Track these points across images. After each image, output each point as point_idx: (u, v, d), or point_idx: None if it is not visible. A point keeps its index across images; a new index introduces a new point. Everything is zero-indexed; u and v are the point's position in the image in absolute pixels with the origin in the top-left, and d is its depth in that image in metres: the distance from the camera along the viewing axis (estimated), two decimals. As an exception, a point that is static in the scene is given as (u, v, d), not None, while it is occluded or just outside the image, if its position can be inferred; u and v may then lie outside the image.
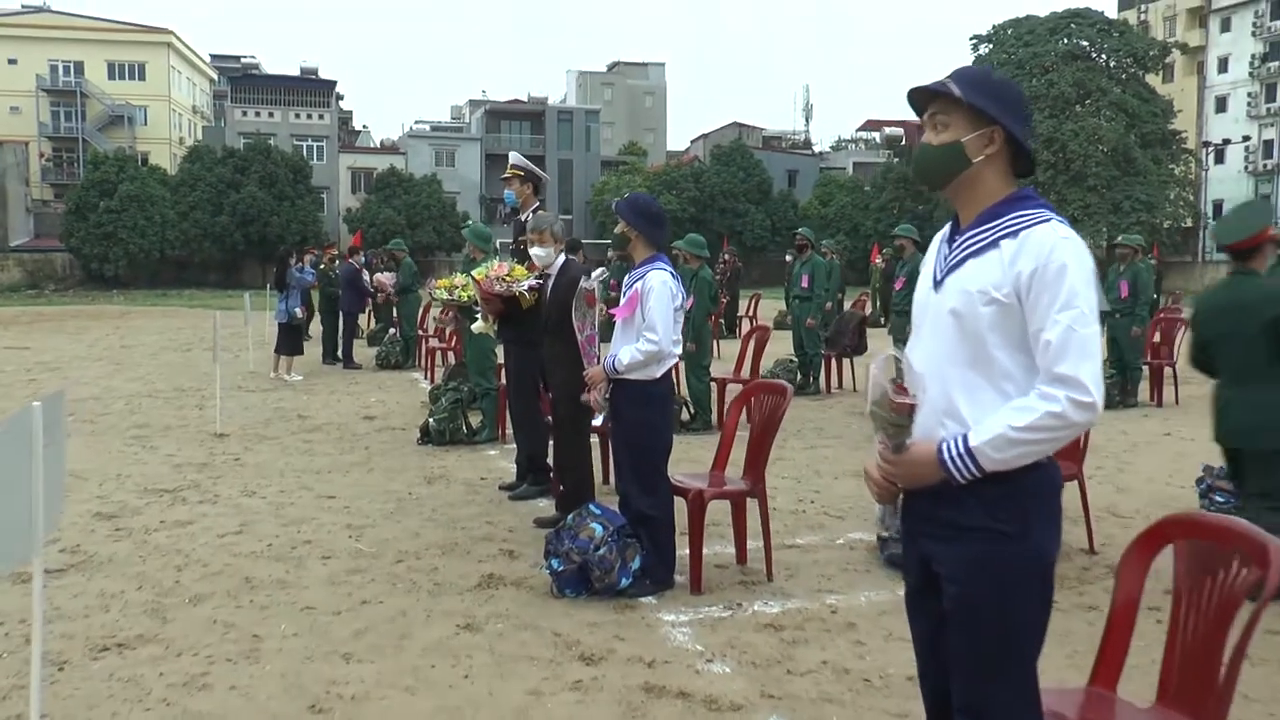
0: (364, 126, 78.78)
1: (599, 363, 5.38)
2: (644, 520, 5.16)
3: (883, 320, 22.15)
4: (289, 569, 5.62)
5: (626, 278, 5.34)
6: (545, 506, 6.98)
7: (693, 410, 10.26)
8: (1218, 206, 59.68)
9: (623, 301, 5.23)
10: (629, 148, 76.88)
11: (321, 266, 18.08)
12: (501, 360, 9.00)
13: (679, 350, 5.23)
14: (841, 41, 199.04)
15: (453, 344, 14.32)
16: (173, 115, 68.05)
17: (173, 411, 11.62)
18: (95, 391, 13.39)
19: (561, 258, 6.50)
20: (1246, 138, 62.52)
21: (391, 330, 16.93)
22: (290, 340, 14.63)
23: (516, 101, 74.14)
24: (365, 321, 22.51)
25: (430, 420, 9.44)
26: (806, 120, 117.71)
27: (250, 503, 7.15)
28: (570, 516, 5.30)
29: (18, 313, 33.53)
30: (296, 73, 69.80)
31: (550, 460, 7.15)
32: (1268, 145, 63.76)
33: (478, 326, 7.57)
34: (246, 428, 10.43)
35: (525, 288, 6.92)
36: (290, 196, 56.28)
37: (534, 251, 6.52)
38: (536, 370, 7.00)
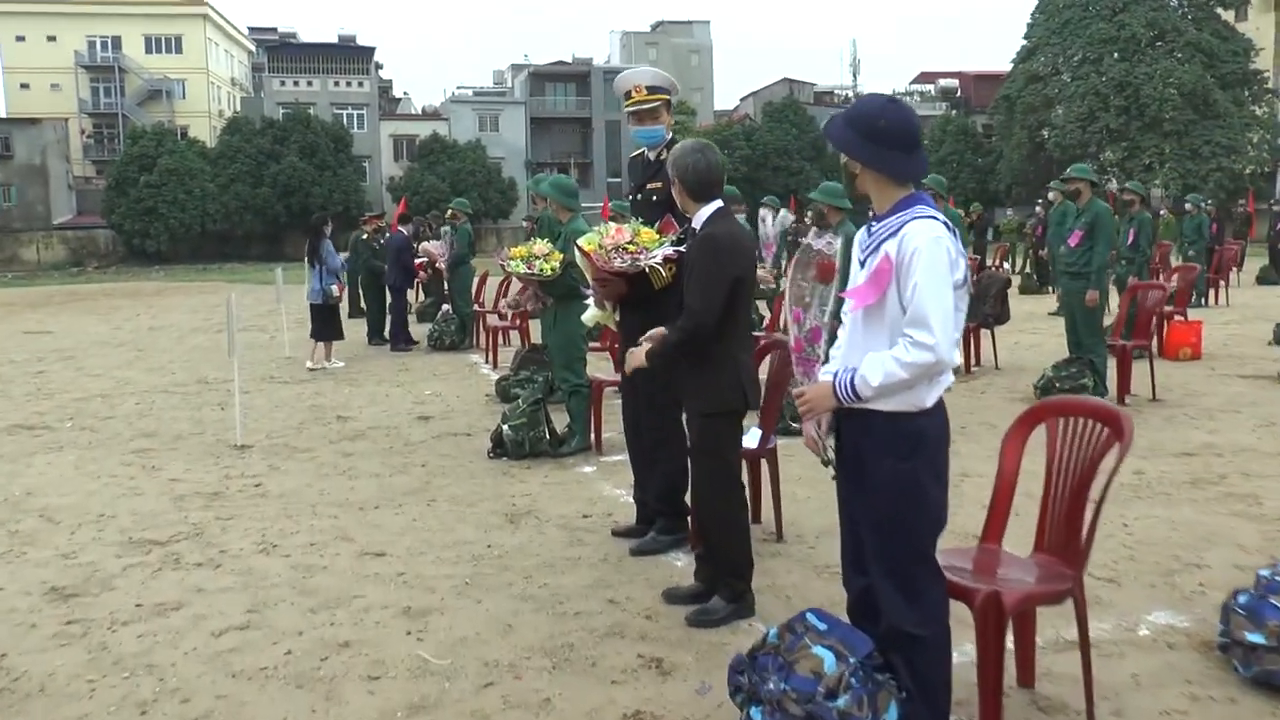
0: (405, 93, 76.92)
1: (819, 377, 3.25)
2: (903, 642, 3.07)
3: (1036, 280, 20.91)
4: (315, 705, 3.59)
5: (861, 234, 3.20)
6: (683, 567, 4.92)
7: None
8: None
9: (859, 276, 3.10)
10: (677, 107, 74.25)
11: (365, 237, 16.22)
12: (595, 346, 6.97)
13: (959, 358, 3.09)
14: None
15: (518, 323, 12.30)
16: (211, 88, 66.67)
17: (189, 413, 9.66)
18: (106, 386, 11.49)
19: (710, 207, 4.41)
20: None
21: (444, 307, 14.88)
22: (327, 324, 12.60)
23: (560, 63, 72.07)
24: (413, 296, 20.64)
25: (505, 428, 7.36)
26: (854, 76, 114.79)
27: (267, 565, 5.12)
28: (774, 632, 3.21)
29: (52, 292, 32.00)
30: (334, 40, 67.94)
31: (690, 498, 5.11)
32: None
33: (590, 316, 5.47)
34: (274, 435, 8.44)
35: (659, 259, 4.85)
36: (331, 166, 55.10)
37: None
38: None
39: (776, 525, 5.37)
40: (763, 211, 18.56)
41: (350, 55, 65.22)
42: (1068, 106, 54.30)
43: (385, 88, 71.50)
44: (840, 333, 3.19)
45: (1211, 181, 49.21)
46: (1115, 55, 53.39)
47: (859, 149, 3.01)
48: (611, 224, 5.11)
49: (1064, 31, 55.71)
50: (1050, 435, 3.55)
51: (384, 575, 4.91)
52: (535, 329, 11.59)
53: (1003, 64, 63.18)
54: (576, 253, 5.19)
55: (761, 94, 73.85)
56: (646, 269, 4.88)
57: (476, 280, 14.93)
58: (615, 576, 4.84)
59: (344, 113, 61.80)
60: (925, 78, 79.96)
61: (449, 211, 15.32)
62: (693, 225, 4.44)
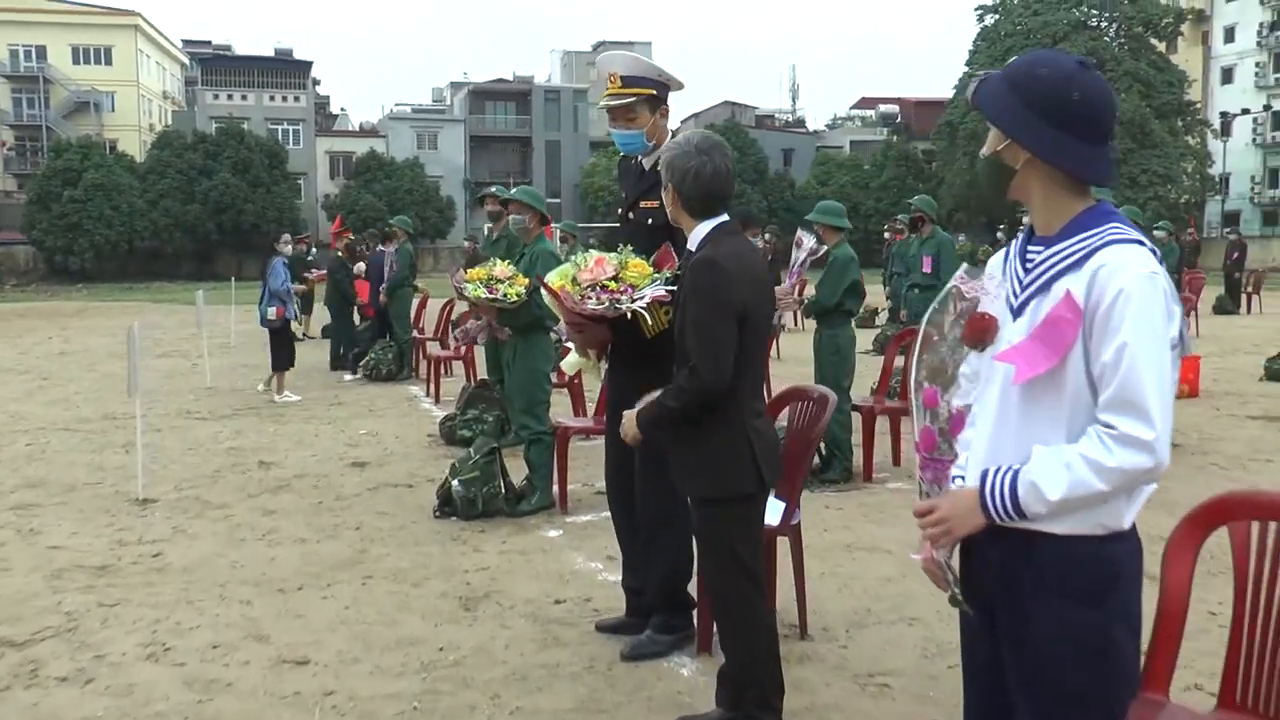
0: (342, 109, 75.21)
1: (952, 483, 2.21)
2: None
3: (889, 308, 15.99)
4: None
5: (1002, 262, 2.19)
6: (691, 677, 3.90)
7: (825, 452, 7.15)
8: (1224, 180, 57.55)
9: (1011, 326, 2.08)
10: (621, 126, 73.76)
11: (341, 254, 14.52)
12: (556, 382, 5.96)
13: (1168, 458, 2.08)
14: (830, 18, 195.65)
15: (463, 353, 11.19)
16: (142, 101, 64.47)
17: (88, 456, 8.41)
18: (-2, 422, 10.20)
19: (709, 223, 3.43)
20: (1246, 110, 60.19)
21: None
22: (281, 350, 11.28)
23: (501, 81, 71.09)
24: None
25: (454, 483, 6.27)
26: (793, 100, 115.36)
27: (153, 680, 3.96)
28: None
29: (-39, 313, 30.13)
30: (270, 54, 66.22)
31: (695, 589, 4.09)
32: (1276, 117, 61.92)
33: (571, 364, 4.35)
34: (184, 486, 7.25)
35: (646, 300, 3.80)
36: (265, 183, 53.52)
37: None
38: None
39: (800, 619, 4.36)
40: (800, 235, 17.36)
41: (286, 69, 63.65)
42: (1008, 134, 54.69)
43: (322, 103, 69.93)
44: (973, 411, 2.19)
45: (1149, 210, 49.62)
46: (1056, 83, 53.92)
47: (1032, 132, 2.01)
48: (593, 252, 4.05)
49: (1005, 59, 55.61)
50: (1238, 544, 2.56)
51: (306, 696, 3.79)
52: (481, 358, 10.52)
53: (943, 91, 63.52)
54: (543, 290, 4.14)
55: (703, 116, 73.43)
56: (629, 314, 3.83)
57: (416, 304, 13.81)
58: (608, 694, 3.78)
59: (279, 128, 60.25)
60: (866, 103, 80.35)
61: (389, 229, 14.18)
62: (689, 249, 3.45)
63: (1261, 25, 62.95)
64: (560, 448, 6.54)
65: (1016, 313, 2.07)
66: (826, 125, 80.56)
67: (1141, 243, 1.98)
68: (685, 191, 3.38)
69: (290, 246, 12.41)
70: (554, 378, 7.03)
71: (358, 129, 69.76)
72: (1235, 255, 23.52)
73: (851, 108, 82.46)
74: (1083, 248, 1.99)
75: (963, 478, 2.13)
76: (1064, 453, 1.95)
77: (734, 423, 3.31)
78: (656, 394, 3.36)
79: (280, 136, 58.79)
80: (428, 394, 11.35)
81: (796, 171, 66.16)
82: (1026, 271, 2.09)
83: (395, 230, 13.59)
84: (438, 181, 60.03)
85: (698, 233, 3.42)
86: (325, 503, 6.71)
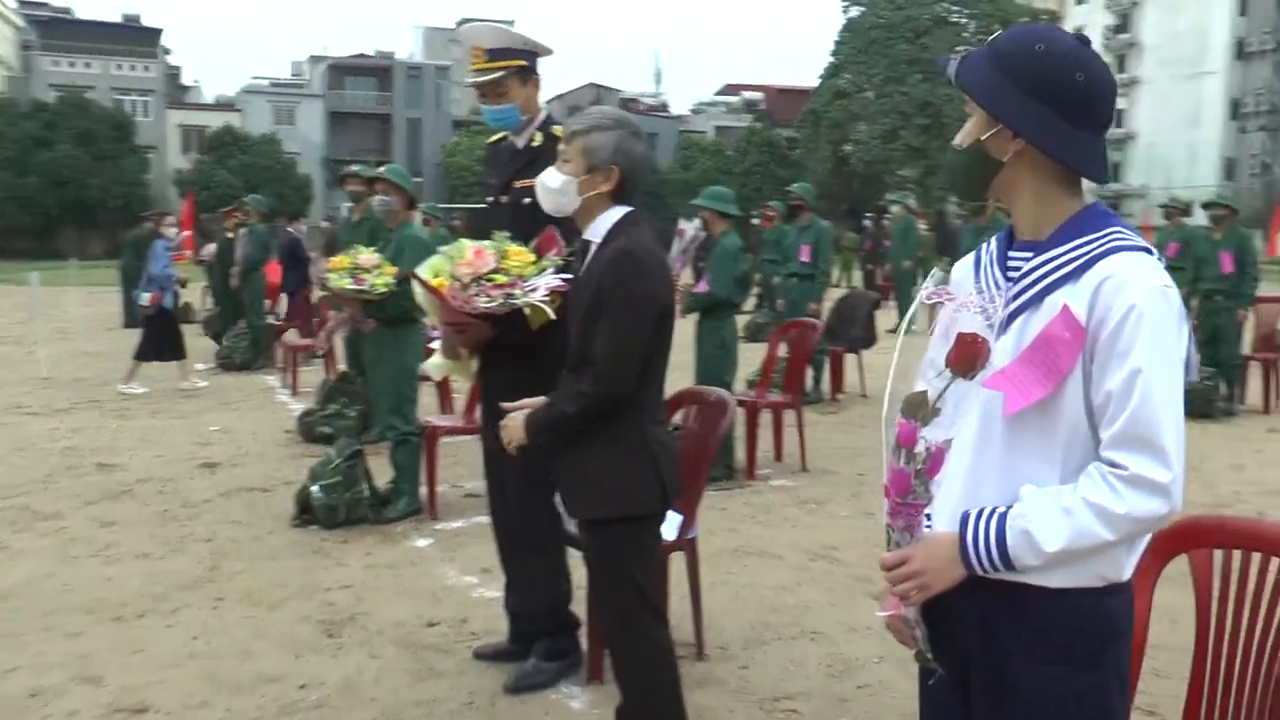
0: (195, 81, 71.80)
1: (924, 529, 1.89)
2: None
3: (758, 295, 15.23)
4: None
5: (973, 267, 1.91)
6: (583, 710, 3.57)
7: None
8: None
9: (1005, 347, 1.77)
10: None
11: (230, 236, 13.41)
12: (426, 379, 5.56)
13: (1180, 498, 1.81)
14: (695, 3, 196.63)
15: (322, 340, 10.57)
16: (-30, 65, 60.57)
17: (-100, 457, 7.62)
18: None
19: (617, 212, 3.05)
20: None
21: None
22: (163, 340, 10.45)
23: (362, 56, 69.15)
24: (201, 302, 18.47)
25: (314, 489, 5.78)
26: (657, 83, 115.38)
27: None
28: None
29: None
30: (116, 20, 62.80)
31: (580, 611, 3.76)
32: (1118, 114, 64.76)
33: (436, 367, 3.92)
34: (10, 493, 6.54)
35: (542, 292, 3.44)
36: (111, 156, 50.74)
37: (547, 183, 3.05)
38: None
39: (697, 638, 4.06)
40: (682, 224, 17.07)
41: (134, 36, 60.42)
42: (871, 123, 55.88)
43: (173, 74, 66.67)
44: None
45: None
46: (918, 76, 55.25)
47: (1029, 117, 1.71)
48: (467, 242, 3.62)
49: (870, 50, 57.27)
50: (1200, 576, 2.32)
51: (145, 749, 3.34)
52: (341, 349, 9.97)
53: (807, 79, 64.47)
54: (416, 287, 3.72)
55: (567, 98, 72.78)
56: (521, 307, 3.46)
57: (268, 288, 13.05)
58: (493, 735, 3.44)
59: (126, 99, 57.10)
60: (730, 89, 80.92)
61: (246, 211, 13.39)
62: (588, 238, 3.04)
63: (1106, 28, 65.93)
64: (429, 448, 6.13)
65: (999, 330, 1.79)
66: (690, 110, 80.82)
67: (1150, 250, 1.72)
68: (630, 176, 2.98)
69: (175, 229, 11.58)
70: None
71: (212, 102, 66.87)
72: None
73: (716, 93, 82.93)
74: (1082, 255, 1.71)
75: (929, 520, 1.84)
76: (1062, 496, 1.67)
77: (636, 433, 2.96)
78: (549, 397, 3.00)
79: (128, 108, 55.82)
80: (284, 385, 10.72)
81: (661, 155, 66.19)
82: (1011, 281, 1.80)
83: (253, 209, 12.84)
84: (295, 159, 58.14)
85: (605, 220, 2.99)
86: (172, 511, 6.14)
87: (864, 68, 57.49)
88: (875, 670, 3.95)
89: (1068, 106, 1.70)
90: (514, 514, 3.77)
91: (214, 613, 4.52)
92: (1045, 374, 1.67)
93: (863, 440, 8.21)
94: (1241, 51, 60.98)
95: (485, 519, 5.91)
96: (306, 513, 5.81)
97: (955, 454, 1.80)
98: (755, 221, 17.17)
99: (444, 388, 8.06)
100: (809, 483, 6.95)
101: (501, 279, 3.42)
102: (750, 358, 9.16)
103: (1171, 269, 9.93)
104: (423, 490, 6.12)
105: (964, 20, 58.19)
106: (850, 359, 10.41)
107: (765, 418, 7.52)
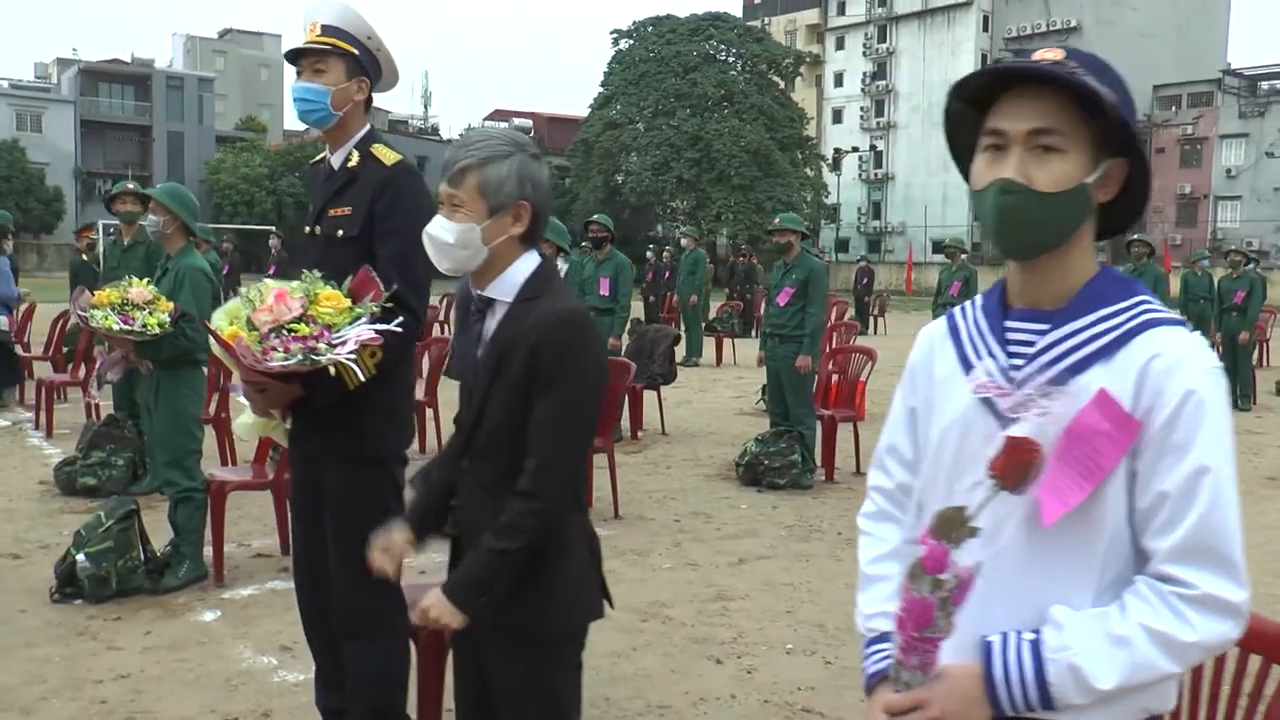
0: (-82, 79, 65.67)
1: (941, 659, 1.54)
2: None
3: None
4: None
5: (968, 334, 1.62)
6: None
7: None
8: (836, 210, 62.93)
9: (1041, 440, 1.43)
10: (247, 122, 69.98)
11: (85, 258, 12.41)
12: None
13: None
14: (463, 28, 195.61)
15: (80, 378, 9.54)
16: None
17: None
18: None
19: (528, 262, 2.39)
20: (855, 148, 66.46)
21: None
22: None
23: (117, 61, 65.14)
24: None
25: (79, 556, 5.00)
26: (425, 106, 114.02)
27: None
28: None
29: None
30: None
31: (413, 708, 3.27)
32: (878, 156, 68.97)
33: (245, 427, 3.30)
34: None
35: (351, 347, 2.91)
36: None
37: (439, 237, 2.32)
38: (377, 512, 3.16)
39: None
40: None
41: None
42: (642, 155, 57.06)
43: (-108, 71, 60.94)
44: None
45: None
46: (688, 110, 56.91)
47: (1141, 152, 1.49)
48: (270, 282, 3.08)
49: (640, 83, 58.58)
50: None
51: None
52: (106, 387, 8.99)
53: (577, 109, 65.07)
54: (211, 340, 3.16)
55: (331, 119, 70.98)
56: (332, 368, 2.92)
57: (22, 312, 11.74)
58: None
59: None
60: (500, 115, 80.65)
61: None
62: (490, 295, 2.36)
63: (865, 74, 69.79)
64: (215, 507, 5.44)
65: (1003, 419, 1.50)
66: (460, 134, 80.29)
67: (1185, 324, 1.47)
68: (542, 210, 2.36)
69: (11, 244, 10.39)
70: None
71: (-62, 103, 61.37)
72: (865, 280, 25.34)
73: (485, 118, 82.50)
74: (1113, 328, 1.47)
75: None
76: (1110, 622, 1.40)
77: (578, 526, 2.40)
78: (478, 550, 2.28)
79: None
80: (37, 426, 9.53)
81: (430, 179, 64.77)
82: (1017, 357, 1.53)
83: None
84: (43, 169, 54.28)
85: (516, 272, 2.34)
86: (-104, 585, 5.22)
87: (634, 99, 58.68)
88: (736, 754, 3.64)
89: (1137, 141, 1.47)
90: (340, 596, 3.24)
91: (-47, 723, 3.77)
92: (1084, 474, 1.39)
93: (673, 482, 7.98)
94: (985, 103, 65.65)
95: (279, 583, 5.37)
96: (70, 585, 5.03)
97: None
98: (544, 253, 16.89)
99: (222, 429, 7.35)
100: (624, 531, 6.62)
101: (305, 329, 2.91)
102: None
103: (952, 304, 10.44)
104: (206, 551, 5.43)
105: (731, 59, 60.13)
106: (649, 395, 10.23)
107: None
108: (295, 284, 3.02)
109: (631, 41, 60.66)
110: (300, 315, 2.94)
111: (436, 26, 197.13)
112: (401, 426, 3.30)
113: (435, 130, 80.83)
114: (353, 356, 2.90)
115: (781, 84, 61.35)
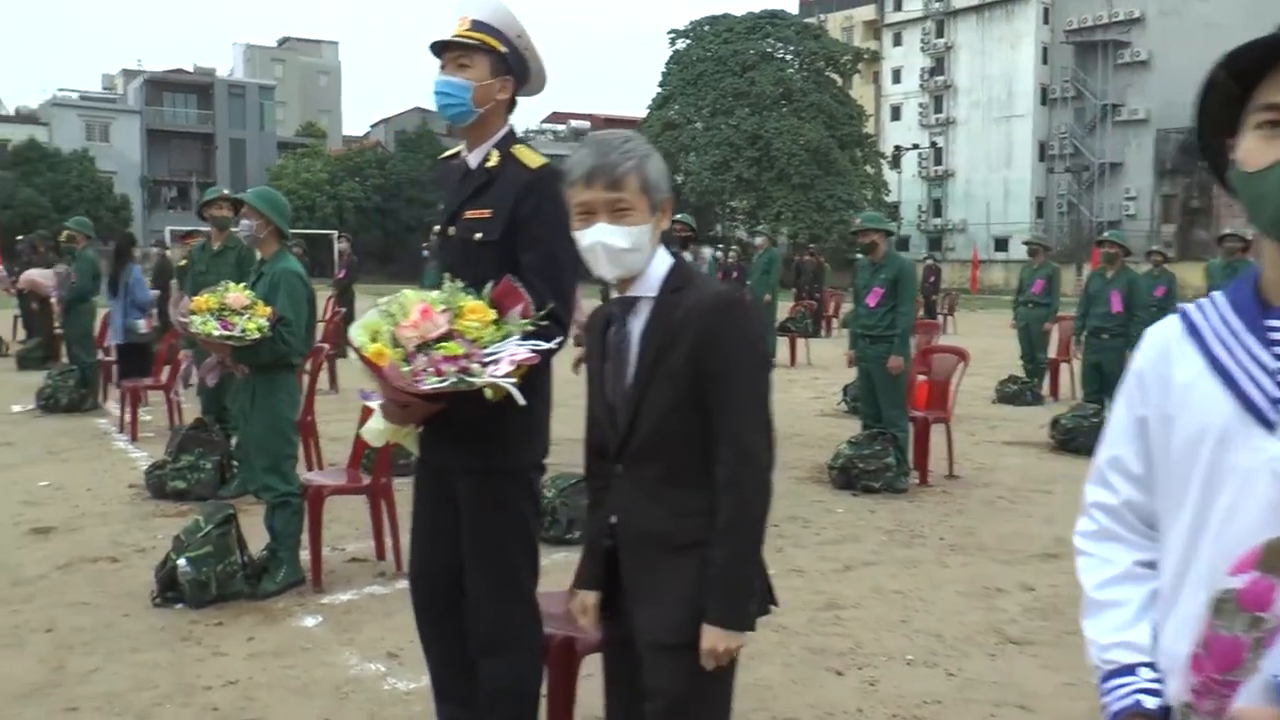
0: (-7, 92, 67.34)
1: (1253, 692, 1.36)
2: None
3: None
4: None
5: (1216, 334, 1.45)
6: None
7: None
8: (896, 208, 62.21)
9: None
10: (307, 128, 70.84)
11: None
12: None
13: None
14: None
15: (167, 383, 9.59)
16: None
17: None
18: None
19: (664, 257, 2.33)
20: (916, 145, 65.58)
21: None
22: (137, 367, 9.82)
23: (180, 71, 66.18)
24: (11, 333, 16.96)
25: (180, 562, 4.96)
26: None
27: None
28: None
29: None
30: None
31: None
32: (937, 152, 68.08)
33: (376, 433, 3.12)
34: None
35: (501, 368, 2.74)
36: (-105, 170, 46.95)
37: (612, 244, 2.24)
38: (515, 524, 3.05)
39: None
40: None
41: (-77, 43, 56.31)
42: (701, 154, 56.76)
43: (-32, 84, 62.40)
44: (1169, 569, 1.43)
45: (835, 233, 52.63)
46: (746, 109, 56.50)
47: None
48: (409, 294, 2.90)
49: (698, 83, 58.33)
50: None
51: None
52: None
53: (635, 109, 64.97)
54: (354, 357, 2.99)
55: (394, 121, 71.71)
56: (489, 390, 2.75)
57: (100, 321, 11.85)
58: None
59: (-86, 109, 53.31)
60: (557, 118, 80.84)
61: (64, 233, 12.18)
62: (635, 294, 2.29)
63: (923, 70, 68.96)
64: (313, 512, 5.37)
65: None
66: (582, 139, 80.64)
67: None
68: (671, 207, 2.37)
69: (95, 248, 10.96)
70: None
71: (14, 114, 62.63)
72: (932, 279, 24.95)
73: (543, 121, 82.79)
74: None
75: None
76: None
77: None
78: (715, 567, 2.18)
79: (-84, 118, 52.14)
80: (121, 429, 9.59)
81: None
82: None
83: (73, 233, 11.65)
84: (110, 178, 55.14)
85: (660, 265, 2.29)
86: (-1, 591, 5.21)
87: (692, 99, 58.41)
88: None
89: None
90: (477, 611, 3.11)
91: (65, 736, 3.71)
92: None
93: (790, 490, 7.81)
94: (1046, 97, 64.51)
95: (378, 588, 5.29)
96: (171, 590, 4.99)
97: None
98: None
99: (307, 431, 7.30)
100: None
101: (456, 349, 2.76)
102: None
103: (1037, 305, 10.14)
104: (302, 556, 5.37)
105: (789, 56, 59.68)
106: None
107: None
108: (435, 294, 2.87)
109: (689, 41, 60.34)
110: (445, 331, 2.79)
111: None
112: (541, 437, 3.17)
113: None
114: (511, 380, 2.75)
115: (839, 81, 60.71)
